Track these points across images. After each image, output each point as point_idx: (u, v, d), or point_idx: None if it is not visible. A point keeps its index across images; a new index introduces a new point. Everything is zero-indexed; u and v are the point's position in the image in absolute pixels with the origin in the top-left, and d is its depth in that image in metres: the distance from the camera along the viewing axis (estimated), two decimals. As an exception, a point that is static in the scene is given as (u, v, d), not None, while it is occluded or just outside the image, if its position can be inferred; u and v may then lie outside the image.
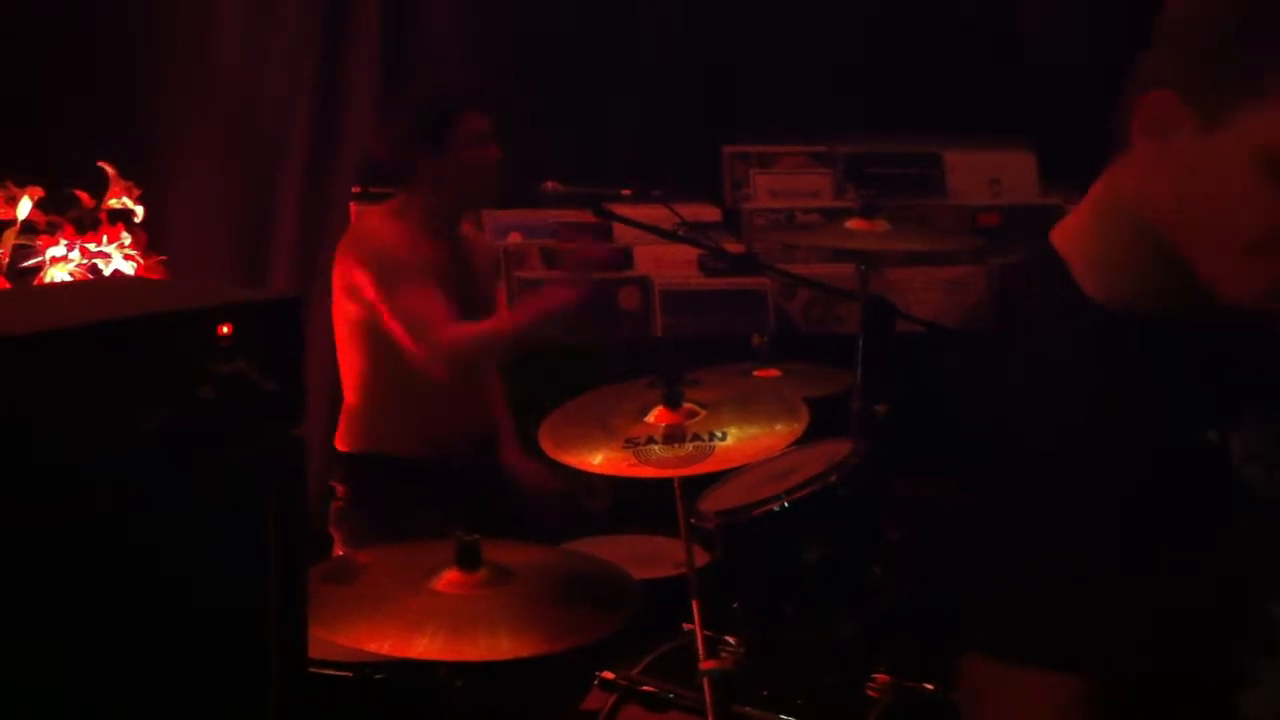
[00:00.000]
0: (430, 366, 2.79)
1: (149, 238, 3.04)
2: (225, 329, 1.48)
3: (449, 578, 2.13)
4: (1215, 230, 1.28)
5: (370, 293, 2.83)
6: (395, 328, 2.81)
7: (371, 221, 2.98)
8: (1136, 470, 1.29)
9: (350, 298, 2.88)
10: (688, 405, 2.42)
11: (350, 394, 2.97)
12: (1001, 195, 3.79)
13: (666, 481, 2.37)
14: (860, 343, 2.95)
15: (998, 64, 3.82)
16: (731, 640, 2.34)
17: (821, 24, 3.84)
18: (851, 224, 3.02)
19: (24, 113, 3.32)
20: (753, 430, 2.42)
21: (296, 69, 3.61)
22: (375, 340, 2.87)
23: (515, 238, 3.53)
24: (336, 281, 2.92)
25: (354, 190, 3.55)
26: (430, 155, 2.88)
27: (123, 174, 3.02)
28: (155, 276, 2.95)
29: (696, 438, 2.37)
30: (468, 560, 2.13)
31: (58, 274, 2.84)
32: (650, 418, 2.40)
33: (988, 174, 3.83)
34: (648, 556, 2.59)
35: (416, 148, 2.90)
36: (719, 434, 2.38)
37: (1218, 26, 1.30)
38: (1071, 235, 1.37)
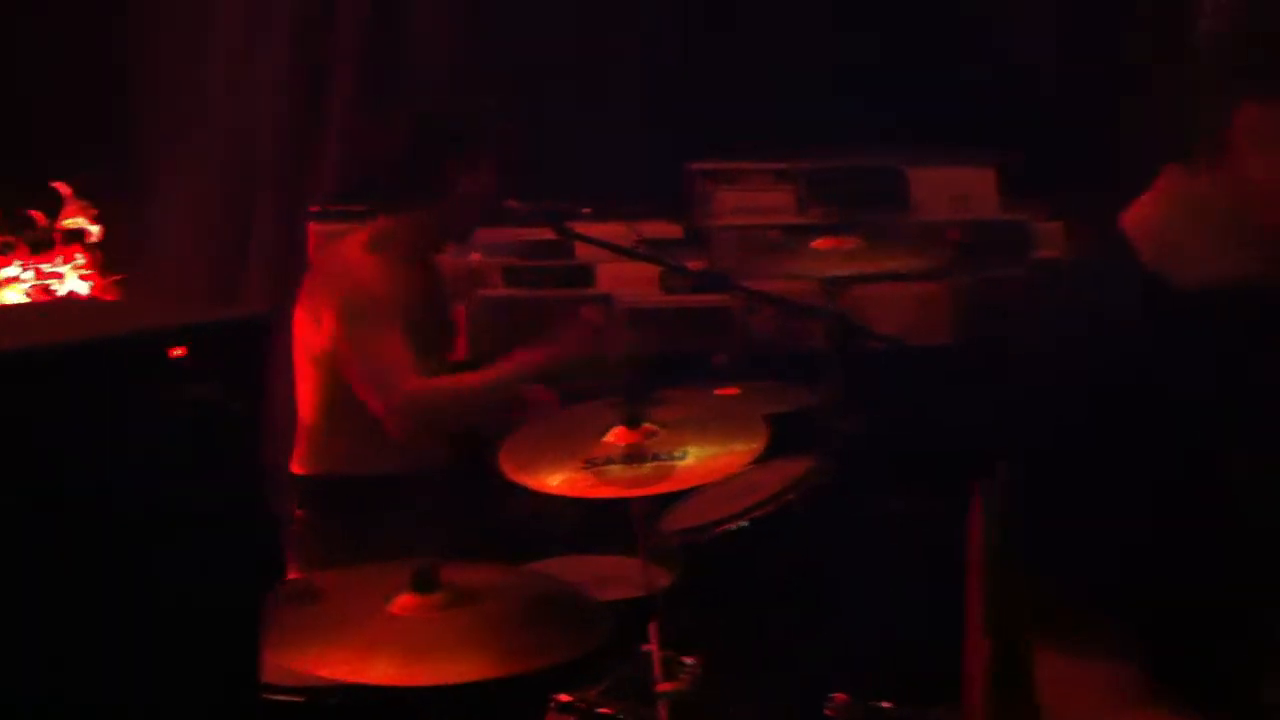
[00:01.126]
0: (388, 420, 2.73)
1: (122, 255, 3.03)
2: (178, 352, 1.46)
3: (406, 601, 2.11)
4: None
5: (338, 336, 2.77)
6: (353, 374, 2.75)
7: (348, 254, 2.88)
8: (1158, 466, 1.34)
9: (316, 330, 2.84)
10: (647, 425, 2.41)
11: (307, 415, 2.93)
12: (964, 211, 3.80)
13: (629, 501, 2.37)
14: (825, 359, 2.96)
15: (963, 81, 3.84)
16: (690, 661, 2.33)
17: (787, 38, 3.86)
18: (817, 244, 3.03)
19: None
20: (713, 449, 2.42)
21: (278, 80, 3.61)
22: (331, 367, 2.82)
23: (476, 256, 3.51)
24: (303, 311, 2.87)
25: (312, 209, 3.53)
26: (466, 166, 2.81)
27: (101, 191, 3.02)
28: (110, 297, 2.92)
29: (656, 457, 2.37)
30: (424, 583, 2.12)
31: (10, 295, 2.82)
32: (610, 437, 2.40)
33: (950, 190, 3.85)
34: (610, 577, 2.57)
35: (451, 157, 2.81)
36: (679, 453, 2.38)
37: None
38: (1151, 227, 1.43)
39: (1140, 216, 1.47)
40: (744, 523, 2.50)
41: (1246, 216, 1.40)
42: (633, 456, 2.36)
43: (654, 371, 2.97)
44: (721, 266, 3.46)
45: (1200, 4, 1.42)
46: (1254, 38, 1.37)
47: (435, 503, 2.86)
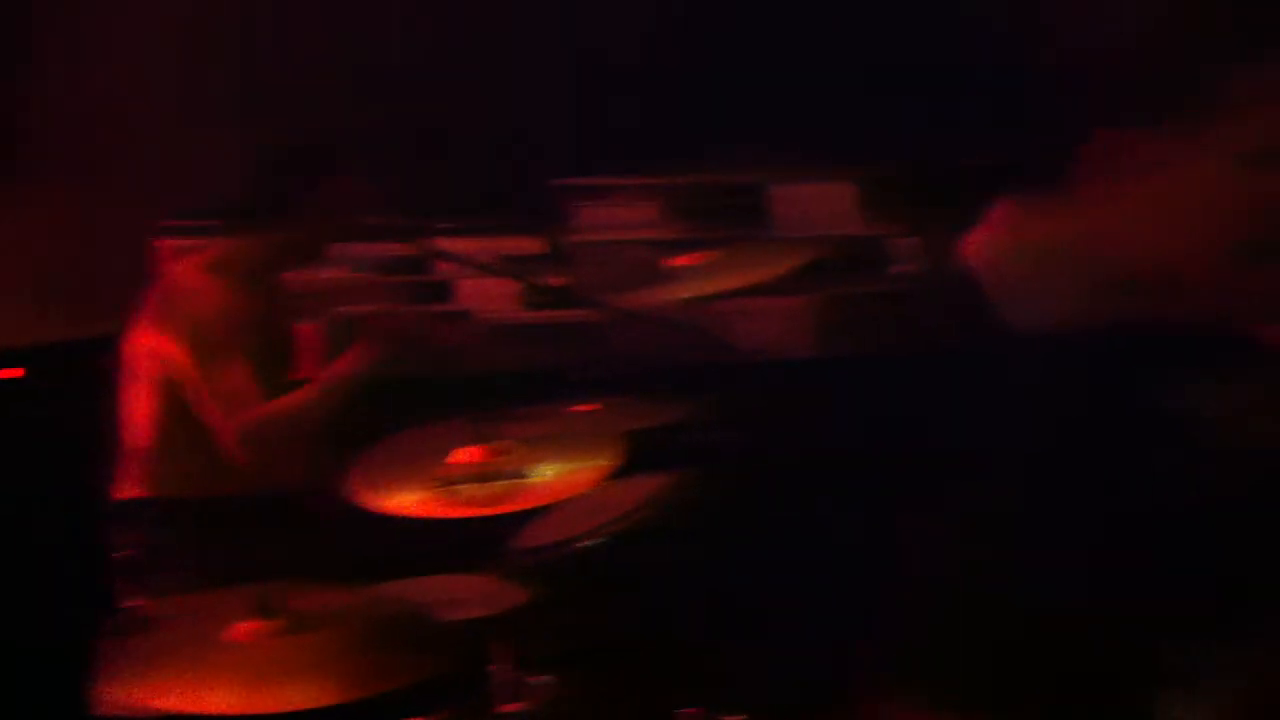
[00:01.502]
0: (234, 449, 2.70)
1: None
2: (14, 373, 1.42)
3: (247, 627, 2.07)
4: (1203, 245, 1.34)
5: (181, 363, 2.72)
6: (205, 405, 2.71)
7: (190, 279, 2.83)
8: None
9: (155, 351, 2.76)
10: (501, 442, 2.40)
11: (142, 437, 2.85)
12: (826, 227, 3.84)
13: (488, 519, 2.35)
14: (688, 374, 2.97)
15: (824, 97, 3.88)
16: (539, 681, 2.32)
17: (652, 56, 3.87)
18: (678, 260, 3.04)
19: None
20: (568, 466, 2.42)
21: (130, 92, 3.54)
22: (171, 391, 2.77)
23: (333, 273, 3.46)
24: (141, 331, 2.80)
25: (164, 225, 3.46)
26: (317, 185, 2.79)
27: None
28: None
29: (510, 475, 2.36)
30: (265, 609, 2.07)
31: None
32: (463, 456, 2.38)
33: (813, 206, 3.88)
34: (462, 597, 2.54)
35: (300, 176, 2.80)
36: (533, 471, 2.37)
37: (1168, 50, 1.35)
38: (995, 266, 1.41)
39: (980, 250, 1.46)
40: (599, 540, 2.49)
41: (1088, 256, 1.38)
42: (485, 475, 2.34)
43: (513, 388, 2.95)
44: (584, 282, 3.45)
45: (1047, 33, 1.42)
46: (1102, 65, 1.37)
47: (279, 525, 2.80)
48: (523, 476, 2.35)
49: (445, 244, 3.16)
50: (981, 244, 1.46)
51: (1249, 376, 1.49)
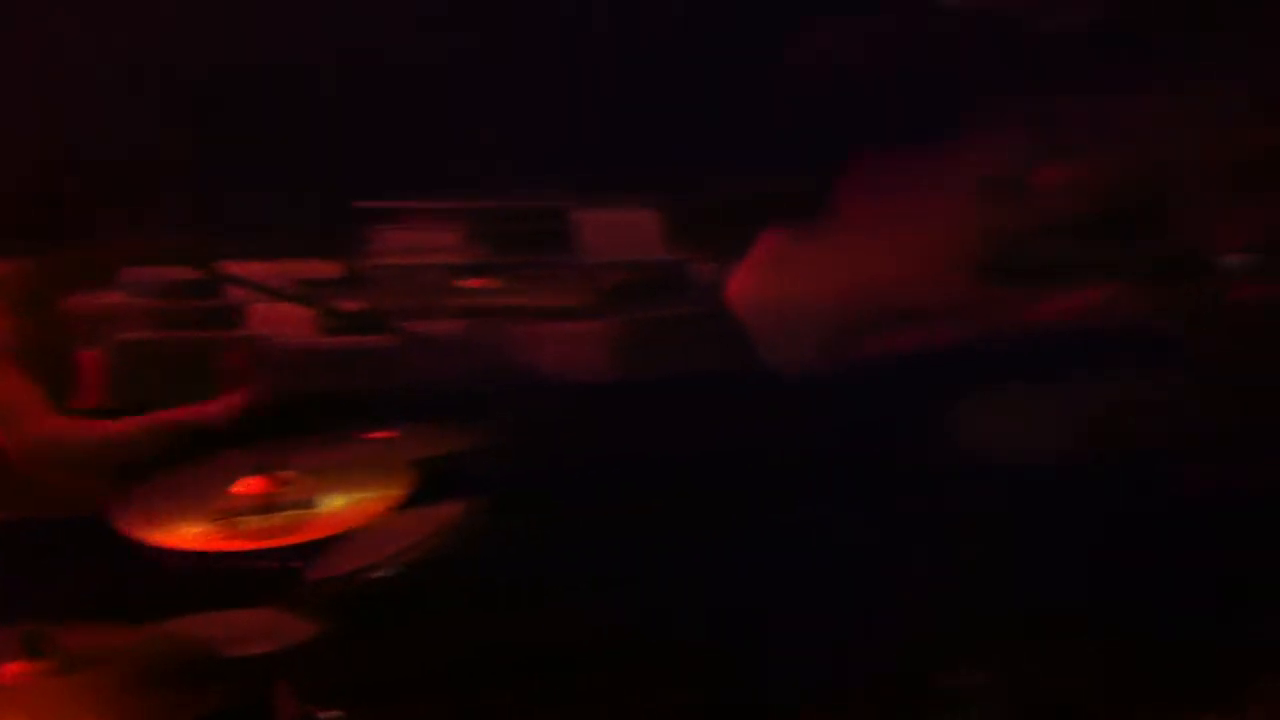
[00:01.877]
0: (18, 461, 2.63)
1: None
2: None
3: (15, 668, 2.00)
4: (947, 268, 1.38)
5: None
6: None
7: None
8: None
9: None
10: (284, 473, 2.37)
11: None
12: (628, 252, 3.88)
13: (278, 551, 2.31)
14: (484, 399, 2.98)
15: (626, 121, 3.92)
16: (327, 715, 2.29)
17: (453, 78, 3.87)
18: (469, 283, 3.06)
19: None
20: (358, 495, 2.40)
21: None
22: None
23: (117, 297, 3.36)
24: None
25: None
26: (101, 208, 2.74)
27: None
28: None
29: (296, 505, 2.33)
30: (33, 648, 2.01)
31: None
32: (244, 487, 2.34)
33: (615, 231, 3.92)
34: (247, 632, 2.49)
35: (82, 198, 2.74)
36: (317, 501, 2.35)
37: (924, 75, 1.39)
38: (753, 303, 1.43)
39: (742, 288, 1.49)
40: (390, 570, 2.47)
41: (850, 287, 1.42)
42: (269, 506, 2.31)
43: (304, 414, 2.92)
44: (381, 306, 3.43)
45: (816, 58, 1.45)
46: (865, 86, 1.41)
47: (49, 560, 2.72)
48: (310, 507, 2.32)
49: (236, 268, 3.10)
50: (743, 278, 1.50)
51: (1010, 395, 1.56)
